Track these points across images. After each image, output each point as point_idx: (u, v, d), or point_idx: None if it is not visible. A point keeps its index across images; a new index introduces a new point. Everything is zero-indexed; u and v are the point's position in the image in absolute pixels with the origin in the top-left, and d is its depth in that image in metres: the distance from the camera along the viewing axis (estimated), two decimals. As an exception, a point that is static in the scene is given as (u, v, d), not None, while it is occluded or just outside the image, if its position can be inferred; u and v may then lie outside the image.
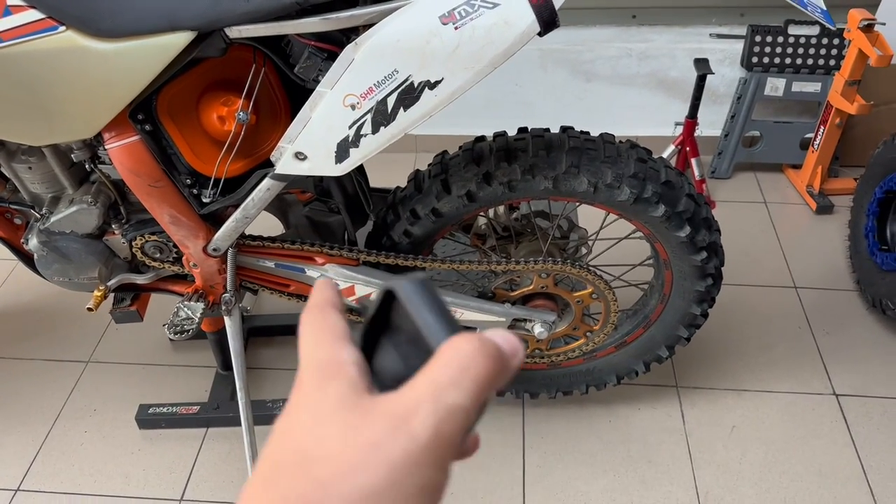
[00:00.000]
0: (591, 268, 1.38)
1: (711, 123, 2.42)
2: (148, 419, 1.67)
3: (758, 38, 2.24)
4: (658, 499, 1.55)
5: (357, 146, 1.08)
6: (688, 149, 2.24)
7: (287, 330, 1.91)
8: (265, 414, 1.67)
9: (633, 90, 2.37)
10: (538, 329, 1.42)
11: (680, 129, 2.25)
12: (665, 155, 2.24)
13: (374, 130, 1.06)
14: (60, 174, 1.25)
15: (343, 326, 0.36)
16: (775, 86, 2.28)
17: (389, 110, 1.04)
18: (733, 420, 1.70)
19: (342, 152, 1.09)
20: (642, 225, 1.34)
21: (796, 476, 1.58)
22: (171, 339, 1.88)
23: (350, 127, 1.06)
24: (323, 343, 0.35)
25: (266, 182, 1.16)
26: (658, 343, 1.55)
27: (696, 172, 2.26)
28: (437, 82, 1.00)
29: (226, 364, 1.76)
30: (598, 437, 1.67)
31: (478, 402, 0.31)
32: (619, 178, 1.23)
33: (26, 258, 1.37)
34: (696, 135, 2.23)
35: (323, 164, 1.11)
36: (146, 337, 1.91)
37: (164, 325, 1.32)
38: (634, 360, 1.59)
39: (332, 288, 0.39)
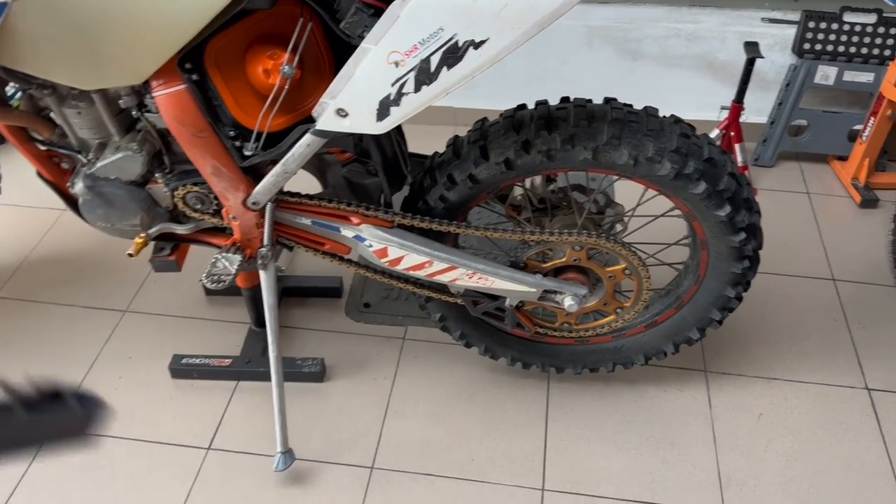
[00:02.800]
0: (625, 243, 1.37)
1: (758, 110, 2.37)
2: (181, 369, 1.71)
3: (811, 24, 2.19)
4: (679, 480, 1.55)
5: (398, 104, 1.09)
6: (732, 134, 2.20)
7: (320, 292, 1.93)
8: (294, 371, 1.70)
9: (679, 71, 2.34)
10: (568, 302, 1.42)
11: (725, 114, 2.21)
12: (708, 139, 2.21)
13: (417, 89, 1.06)
14: (108, 121, 1.28)
15: None
16: (826, 74, 2.23)
17: (433, 69, 1.04)
18: (761, 408, 1.68)
19: (383, 110, 1.10)
20: (681, 202, 1.32)
21: (822, 467, 1.57)
22: (207, 289, 1.92)
23: (392, 85, 1.07)
24: None
25: (307, 138, 1.18)
26: (689, 325, 1.54)
27: (740, 158, 2.22)
28: (482, 42, 1.00)
29: (259, 321, 1.79)
30: (622, 416, 1.67)
31: None
32: (660, 152, 1.22)
33: (71, 202, 1.41)
34: (741, 120, 2.19)
35: (364, 122, 1.12)
36: (182, 291, 1.95)
37: (202, 276, 1.35)
38: (664, 341, 1.58)
39: None
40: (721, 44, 2.28)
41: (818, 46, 2.20)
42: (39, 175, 1.40)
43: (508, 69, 2.42)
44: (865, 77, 2.20)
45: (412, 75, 1.05)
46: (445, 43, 1.01)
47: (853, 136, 2.30)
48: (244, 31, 1.15)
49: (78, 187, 1.33)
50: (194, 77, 1.14)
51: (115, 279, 1.99)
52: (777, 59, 2.29)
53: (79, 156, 1.34)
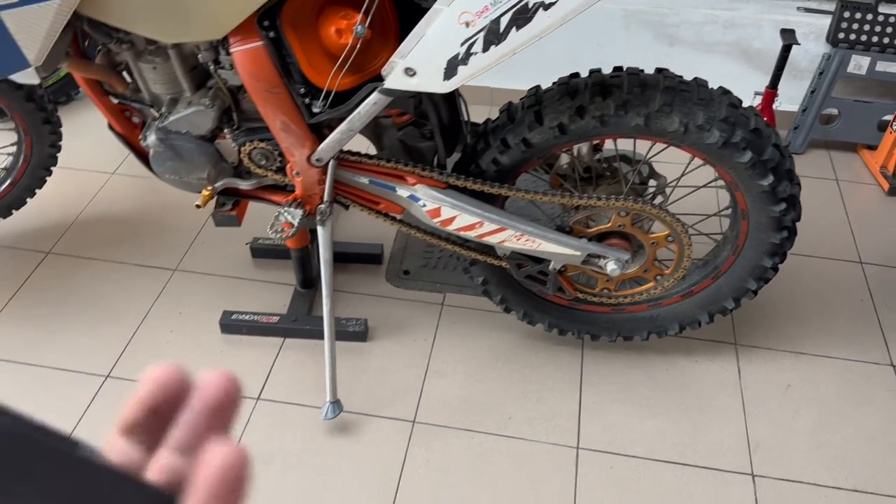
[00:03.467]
0: (669, 211, 1.43)
1: (790, 98, 2.42)
2: (230, 324, 1.78)
3: (846, 14, 2.23)
4: (709, 444, 1.61)
5: (466, 64, 1.15)
6: (765, 119, 2.25)
7: (361, 258, 2.00)
8: (339, 329, 1.76)
9: (715, 58, 2.39)
10: (611, 266, 1.48)
11: (759, 99, 2.26)
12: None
13: (485, 49, 1.13)
14: (181, 76, 1.35)
15: None
16: (859, 64, 2.27)
17: (502, 29, 1.10)
18: (789, 380, 1.74)
19: (451, 69, 1.16)
20: (725, 171, 1.38)
21: (847, 437, 1.62)
22: (253, 251, 1.99)
23: (462, 45, 1.13)
24: None
25: (374, 96, 1.24)
26: (725, 294, 1.59)
27: (771, 144, 2.27)
28: (552, 3, 1.06)
29: (305, 282, 1.86)
30: (654, 383, 1.73)
31: None
32: (710, 121, 1.28)
33: (140, 155, 1.48)
34: (774, 107, 2.24)
35: (431, 81, 1.18)
36: (229, 252, 2.02)
37: (268, 228, 1.42)
38: (699, 311, 1.64)
39: None
40: (757, 31, 2.32)
41: (852, 36, 2.25)
42: (111, 128, 1.47)
43: (545, 51, 2.48)
44: (898, 67, 2.25)
45: (481, 35, 1.11)
46: (516, 4, 1.07)
47: (883, 126, 2.35)
48: (320, -9, 1.21)
49: (150, 140, 1.40)
50: (271, 34, 1.20)
51: (164, 240, 2.07)
52: (811, 47, 2.33)
53: (151, 110, 1.41)
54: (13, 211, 1.98)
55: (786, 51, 2.12)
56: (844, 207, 2.24)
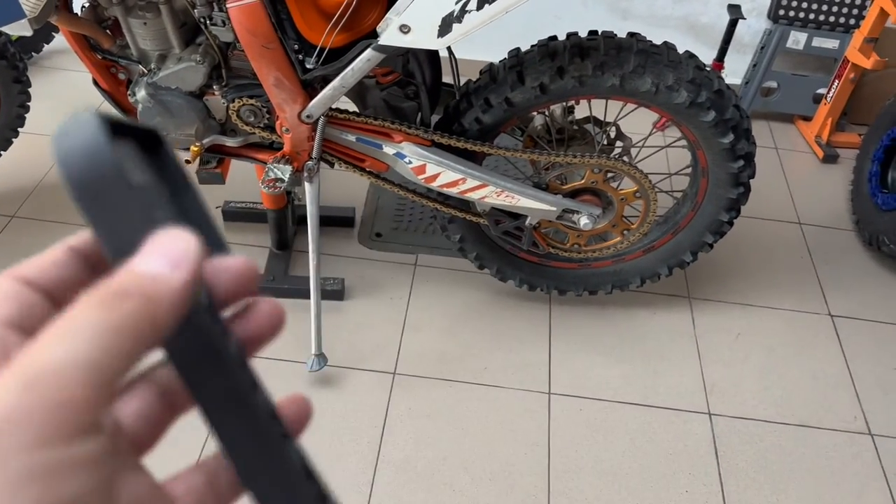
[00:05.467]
0: (638, 167, 1.53)
1: (733, 72, 2.56)
2: (208, 284, 1.80)
3: (786, -8, 2.39)
4: (669, 386, 1.73)
5: (460, 21, 1.21)
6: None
7: (333, 221, 2.04)
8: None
9: (665, 32, 2.51)
10: (584, 221, 1.58)
11: (707, 71, 2.40)
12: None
13: (479, 7, 1.19)
14: (171, 32, 1.37)
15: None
16: (797, 39, 2.43)
17: (497, -11, 1.17)
18: (739, 328, 1.88)
19: (445, 27, 1.22)
20: (690, 130, 1.49)
21: (793, 378, 1.78)
22: (225, 214, 2.00)
23: (457, 2, 1.19)
24: None
25: (368, 53, 1.29)
26: (684, 248, 1.71)
27: (717, 114, 2.41)
28: (546, -34, 1.13)
29: (280, 243, 1.90)
30: (617, 334, 1.85)
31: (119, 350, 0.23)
32: (678, 82, 1.38)
33: (126, 112, 1.49)
34: (720, 78, 2.38)
35: (426, 38, 1.24)
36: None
37: (260, 182, 1.45)
38: (660, 264, 1.76)
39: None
40: (704, 7, 2.46)
41: (791, 13, 2.40)
42: (95, 83, 1.47)
43: (502, 23, 2.55)
44: (832, 43, 2.42)
45: (476, -6, 1.18)
46: (512, -35, 1.14)
47: (818, 99, 2.52)
48: (316, -50, 1.25)
49: (139, 95, 1.42)
50: (268, -9, 1.24)
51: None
52: (753, 23, 2.48)
53: (138, 66, 1.42)
54: (-25, 174, 1.95)
55: (732, 25, 2.26)
56: (784, 174, 2.41)
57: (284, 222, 1.88)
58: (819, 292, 2.00)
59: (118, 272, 0.24)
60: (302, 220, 2.04)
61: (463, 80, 1.55)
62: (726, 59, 2.37)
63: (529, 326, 1.84)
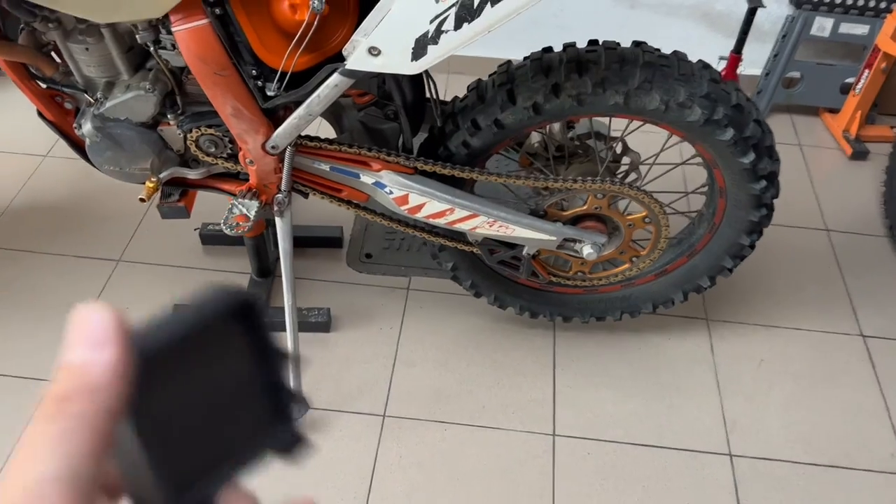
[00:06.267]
0: (647, 191, 1.37)
1: (753, 62, 2.37)
2: (183, 319, 1.67)
3: (810, -25, 2.19)
4: (685, 424, 1.58)
5: (436, 43, 1.05)
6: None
7: (320, 242, 1.89)
8: (300, 321, 1.66)
9: (677, 21, 2.32)
10: (587, 250, 1.42)
11: (724, 64, 2.21)
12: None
13: (457, 26, 1.03)
14: (117, 58, 1.21)
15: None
16: (822, 26, 2.23)
17: (476, 4, 1.00)
18: (762, 354, 1.72)
19: (419, 49, 1.06)
20: (705, 149, 1.32)
21: (821, 411, 1.62)
22: (203, 238, 1.87)
23: (431, 21, 1.03)
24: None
25: (335, 78, 1.13)
26: (700, 273, 1.55)
27: (735, 110, 2.23)
28: (532, -23, 0.97)
29: (261, 271, 1.76)
30: (627, 363, 1.69)
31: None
32: (691, 98, 1.21)
33: (76, 145, 1.35)
34: (737, 72, 2.20)
35: (398, 62, 1.08)
36: (177, 240, 1.89)
37: (220, 223, 1.31)
38: (673, 289, 1.60)
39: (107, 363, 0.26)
40: (719, -7, 2.26)
41: (815, -2, 2.20)
42: (40, 115, 1.33)
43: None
44: (861, 29, 2.22)
45: (453, 11, 1.01)
46: (492, -23, 0.97)
47: (846, 89, 2.33)
48: (270, -38, 1.09)
49: (85, 129, 1.27)
50: (217, 11, 1.08)
51: (105, 228, 1.92)
52: (774, 9, 2.28)
53: (84, 95, 1.27)
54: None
55: (751, 13, 2.06)
56: (808, 173, 2.22)
57: (265, 248, 1.74)
58: (849, 310, 1.83)
59: (54, 372, 0.25)
60: (285, 243, 1.89)
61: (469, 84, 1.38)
62: (744, 49, 2.17)
63: (532, 357, 1.69)
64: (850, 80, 2.30)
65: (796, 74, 2.35)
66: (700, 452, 1.54)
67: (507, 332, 1.74)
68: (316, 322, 1.68)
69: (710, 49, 2.36)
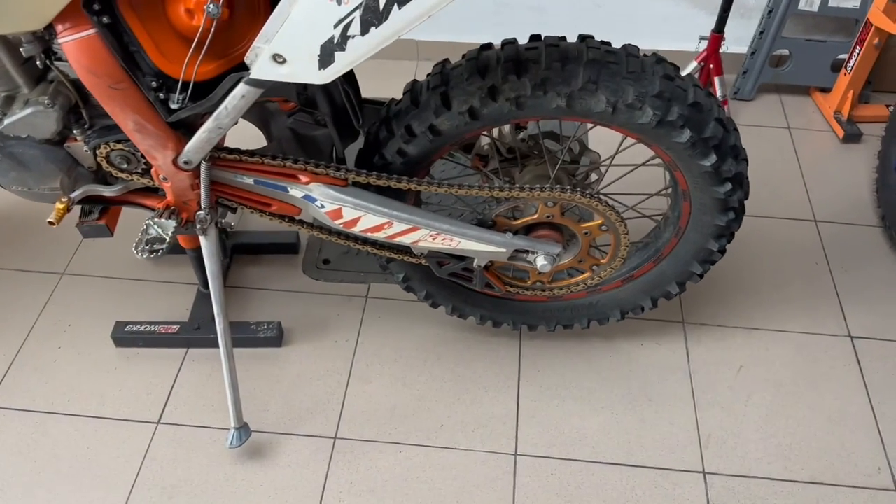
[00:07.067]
0: (602, 197, 1.25)
1: (738, 39, 2.24)
2: (125, 337, 1.58)
3: (797, -55, 2.04)
4: (657, 439, 1.48)
5: (343, 49, 0.94)
6: (711, 66, 2.07)
7: (274, 248, 1.80)
8: (248, 336, 1.58)
9: (655, -1, 2.18)
10: (541, 262, 1.31)
11: (704, 45, 2.07)
12: (687, 72, 2.07)
13: (364, 31, 0.92)
14: (12, 70, 1.11)
15: None
16: (811, 0, 2.09)
17: (381, 7, 0.89)
18: (741, 360, 1.61)
19: (326, 56, 0.95)
20: (662, 151, 1.20)
21: (804, 421, 1.51)
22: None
23: (336, 26, 0.92)
24: None
25: (240, 88, 1.02)
26: (668, 279, 1.44)
27: (719, 92, 2.10)
28: (438, -25, 0.85)
29: (207, 283, 1.66)
30: (597, 373, 1.59)
31: None
32: (641, 98, 1.09)
33: (-20, 164, 1.25)
34: (721, 51, 2.06)
35: (304, 70, 0.97)
36: (123, 250, 1.80)
37: (133, 246, 1.21)
38: (641, 296, 1.49)
39: None
40: (700, -32, 2.12)
41: (803, -30, 2.06)
42: (-60, 134, 1.23)
43: (473, -2, 2.25)
44: (852, 2, 2.07)
45: (358, 14, 0.90)
46: (394, -24, 0.86)
47: (837, 67, 2.19)
48: (160, -37, 0.98)
49: (-15, 148, 1.17)
50: (105, 20, 0.97)
51: (49, 239, 1.83)
52: (759, -17, 2.14)
53: (-18, 111, 1.17)
54: None
55: (732, -10, 1.93)
56: (797, 158, 2.09)
57: (210, 259, 1.64)
58: (837, 308, 1.71)
59: None
60: (236, 250, 1.80)
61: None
62: (728, 26, 2.03)
63: (495, 369, 1.59)
64: (842, 56, 2.16)
65: (784, 52, 2.21)
66: (671, 470, 1.44)
67: (469, 342, 1.64)
68: (266, 337, 1.59)
69: (691, 27, 2.24)
